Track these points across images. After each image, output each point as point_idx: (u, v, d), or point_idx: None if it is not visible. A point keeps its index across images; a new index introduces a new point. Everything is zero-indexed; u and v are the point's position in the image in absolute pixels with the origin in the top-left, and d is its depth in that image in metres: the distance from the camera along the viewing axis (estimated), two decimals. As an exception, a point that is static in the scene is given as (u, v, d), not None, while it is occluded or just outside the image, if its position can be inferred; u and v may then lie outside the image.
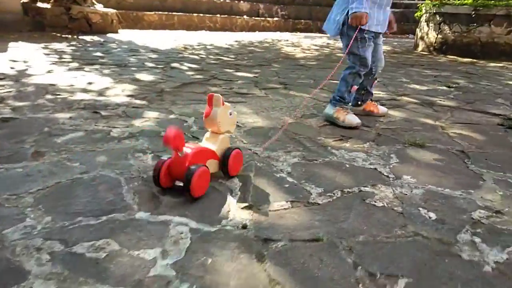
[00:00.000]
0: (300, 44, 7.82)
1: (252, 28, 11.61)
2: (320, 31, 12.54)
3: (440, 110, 2.47)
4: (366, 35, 1.92)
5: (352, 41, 1.88)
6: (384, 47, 7.71)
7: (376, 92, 2.95)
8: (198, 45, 6.37)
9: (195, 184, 1.11)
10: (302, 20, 12.58)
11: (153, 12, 9.72)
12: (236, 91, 2.82)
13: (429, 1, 6.93)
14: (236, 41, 7.82)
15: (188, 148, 1.17)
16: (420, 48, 7.16)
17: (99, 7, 7.67)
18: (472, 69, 4.73)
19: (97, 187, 1.18)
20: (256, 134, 1.82)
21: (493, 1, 6.26)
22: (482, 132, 2.03)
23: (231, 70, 3.84)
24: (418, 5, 7.34)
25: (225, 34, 9.82)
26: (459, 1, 6.68)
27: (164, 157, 1.19)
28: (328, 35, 2.16)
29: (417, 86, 3.24)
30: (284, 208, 1.12)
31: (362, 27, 1.85)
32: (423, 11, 6.99)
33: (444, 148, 1.74)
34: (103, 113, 2.04)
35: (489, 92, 3.12)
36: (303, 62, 4.84)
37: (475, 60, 5.94)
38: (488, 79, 3.91)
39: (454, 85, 3.30)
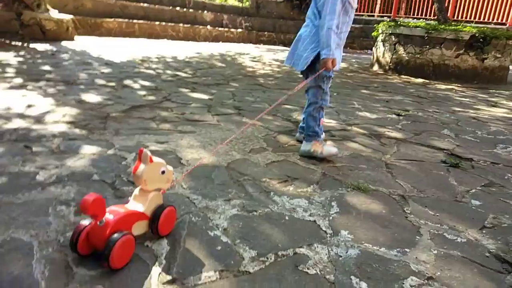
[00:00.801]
0: (262, 58, 7.82)
1: (215, 38, 11.53)
2: (283, 43, 12.66)
3: (387, 144, 2.49)
4: (332, 74, 2.08)
5: (321, 78, 2.03)
6: (342, 65, 7.87)
7: (328, 121, 2.95)
8: (157, 57, 6.20)
9: (115, 255, 1.01)
10: (266, 32, 12.65)
11: (112, 19, 9.42)
12: (188, 118, 2.72)
13: (385, 22, 7.13)
14: (198, 53, 7.71)
15: (111, 214, 1.06)
16: (376, 67, 7.35)
17: (54, 13, 7.32)
18: (423, 92, 4.88)
19: (4, 256, 1.05)
20: (199, 175, 1.74)
21: (443, 26, 6.53)
22: (425, 171, 2.05)
23: (186, 90, 3.74)
24: (374, 26, 7.54)
25: (188, 44, 9.68)
26: (413, 23, 6.93)
27: (85, 221, 1.07)
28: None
29: (368, 114, 3.27)
30: (212, 281, 1.04)
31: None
32: (380, 31, 7.18)
33: (386, 192, 1.73)
34: (34, 148, 1.88)
35: (437, 122, 3.20)
36: (262, 81, 4.81)
37: (427, 81, 6.15)
38: (437, 104, 4.03)
39: (403, 113, 3.36)
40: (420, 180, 1.91)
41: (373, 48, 7.60)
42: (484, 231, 1.45)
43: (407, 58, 6.65)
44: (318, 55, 1.97)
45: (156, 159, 1.18)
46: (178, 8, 11.18)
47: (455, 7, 13.32)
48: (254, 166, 1.92)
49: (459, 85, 5.90)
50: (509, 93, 5.50)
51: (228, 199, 1.51)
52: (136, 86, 3.70)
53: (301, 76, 2.23)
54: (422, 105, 3.89)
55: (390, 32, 6.89)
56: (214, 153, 2.02)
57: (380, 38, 7.22)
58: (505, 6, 13.08)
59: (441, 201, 1.69)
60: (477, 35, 6.20)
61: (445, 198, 1.72)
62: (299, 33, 2.14)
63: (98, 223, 1.04)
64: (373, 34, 7.49)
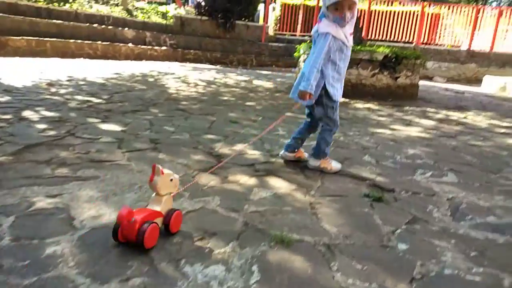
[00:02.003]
0: (187, 78, 7.54)
1: (138, 57, 11.02)
2: (210, 62, 12.49)
3: (311, 177, 2.37)
4: (337, 104, 2.41)
5: (328, 109, 2.37)
6: (268, 84, 7.89)
7: (252, 152, 2.77)
8: (69, 80, 5.65)
9: (147, 238, 1.36)
10: (192, 50, 12.39)
11: (20, 37, 8.53)
12: (92, 158, 2.37)
13: (305, 43, 7.27)
14: (117, 73, 7.21)
15: (138, 214, 1.39)
16: (300, 86, 7.44)
17: None
18: (344, 112, 4.96)
19: None
20: (94, 242, 1.43)
21: (359, 47, 6.81)
22: (350, 209, 1.94)
23: (96, 121, 3.34)
24: (296, 46, 7.67)
25: (107, 63, 9.07)
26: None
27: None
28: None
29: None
30: None
31: (334, 98, 2.33)
32: (301, 51, 7.31)
33: (312, 242, 1.57)
34: None
35: (358, 146, 3.19)
36: (185, 105, 4.54)
37: (347, 100, 6.33)
38: (357, 126, 4.07)
39: (327, 139, 3.31)
40: (346, 222, 1.79)
41: (296, 68, 7.71)
42: (413, 285, 1.34)
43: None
44: (322, 89, 2.28)
45: (166, 170, 1.51)
46: (95, 25, 10.52)
47: (369, 28, 14.24)
48: (165, 220, 1.65)
49: (375, 103, 6.14)
50: (420, 109, 5.84)
51: (125, 279, 1.22)
52: (36, 118, 3.22)
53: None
54: (343, 128, 3.90)
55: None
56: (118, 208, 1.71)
57: (302, 58, 7.34)
58: (412, 27, 14.27)
59: (368, 248, 1.56)
60: (389, 55, 6.55)
61: (372, 243, 1.61)
62: (303, 70, 2.26)
63: (129, 221, 1.36)
64: (295, 54, 7.60)
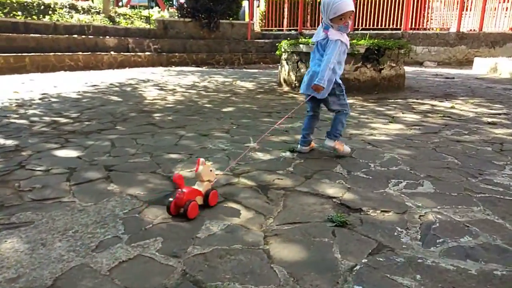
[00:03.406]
0: (167, 85, 7.32)
1: (121, 64, 10.81)
2: (196, 64, 12.23)
3: (273, 199, 2.16)
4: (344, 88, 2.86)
5: (340, 97, 2.84)
6: (250, 85, 7.65)
7: (217, 174, 2.55)
8: (41, 98, 5.44)
9: (190, 211, 1.85)
10: (177, 54, 12.16)
11: (-4, 55, 8.29)
12: (35, 196, 2.16)
13: (286, 41, 7.03)
14: (94, 85, 7.00)
15: (186, 189, 1.89)
16: (283, 86, 7.21)
17: None
18: (324, 111, 4.73)
19: None
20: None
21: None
22: (307, 240, 1.73)
23: (55, 146, 3.14)
24: (277, 44, 7.42)
25: (88, 74, 8.86)
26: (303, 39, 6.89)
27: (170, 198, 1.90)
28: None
29: (261, 155, 2.95)
30: None
31: (342, 87, 2.84)
32: (282, 49, 7.06)
33: (255, 294, 1.36)
34: None
35: (331, 155, 2.97)
36: (157, 118, 4.33)
37: (331, 97, 6.11)
38: (335, 129, 3.83)
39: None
40: (301, 259, 1.58)
41: (279, 67, 7.48)
42: None
43: (310, 74, 6.57)
44: (334, 83, 2.74)
45: (207, 162, 2.00)
46: (75, 36, 10.27)
47: (355, 17, 13.92)
48: (91, 277, 1.44)
49: (360, 98, 5.92)
50: (405, 102, 5.61)
51: None
52: (-12, 149, 3.01)
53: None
54: (320, 131, 3.68)
55: (291, 50, 6.79)
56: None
57: (284, 56, 7.10)
58: (399, 13, 13.96)
59: (321, 296, 1.35)
60: (371, 47, 6.31)
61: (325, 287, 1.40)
62: (312, 69, 2.75)
63: (180, 190, 1.87)
64: (277, 53, 7.36)
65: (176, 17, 13.22)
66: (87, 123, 4.01)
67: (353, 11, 2.56)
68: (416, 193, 2.25)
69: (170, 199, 1.90)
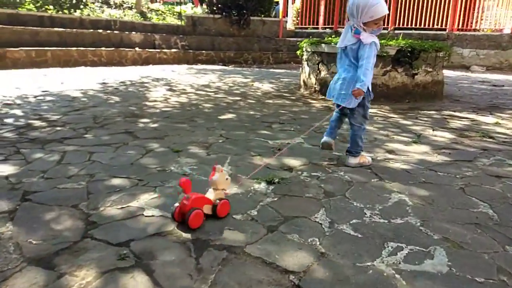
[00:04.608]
0: (180, 84, 6.79)
1: (146, 61, 10.45)
2: (223, 62, 11.69)
3: (205, 267, 1.47)
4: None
5: (366, 109, 2.60)
6: (267, 87, 6.94)
7: (148, 213, 1.91)
8: (38, 96, 5.08)
9: (191, 220, 1.69)
10: (204, 51, 11.65)
11: (18, 48, 8.15)
12: None
13: (307, 40, 6.24)
14: (104, 83, 6.60)
15: (193, 195, 1.73)
16: (302, 89, 6.44)
17: None
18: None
19: None
20: None
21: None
22: None
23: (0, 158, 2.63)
24: (298, 42, 6.65)
25: (108, 70, 8.55)
26: (336, 40, 6.06)
27: (176, 204, 1.77)
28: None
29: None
30: None
31: (369, 89, 2.49)
32: (303, 49, 6.29)
33: None
34: None
35: (318, 192, 2.23)
36: (141, 125, 3.76)
37: (352, 105, 5.28)
38: (343, 148, 3.07)
39: (277, 180, 2.35)
40: None
41: (300, 68, 6.71)
42: None
43: (331, 79, 5.75)
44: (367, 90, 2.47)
45: (224, 170, 1.86)
46: (100, 31, 10.01)
47: (395, 15, 12.74)
48: None
49: (387, 108, 5.05)
50: (438, 114, 4.67)
51: None
52: None
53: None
54: (319, 152, 2.92)
55: (313, 50, 6.01)
56: None
57: (304, 56, 6.32)
58: (445, 13, 12.61)
59: None
60: (403, 49, 5.38)
61: None
62: (342, 76, 2.53)
63: (186, 196, 1.72)
64: (297, 52, 6.60)
65: (206, 13, 12.71)
66: (58, 128, 3.51)
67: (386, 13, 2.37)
68: (419, 273, 1.47)
69: (176, 204, 1.76)
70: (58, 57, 8.64)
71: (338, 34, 12.49)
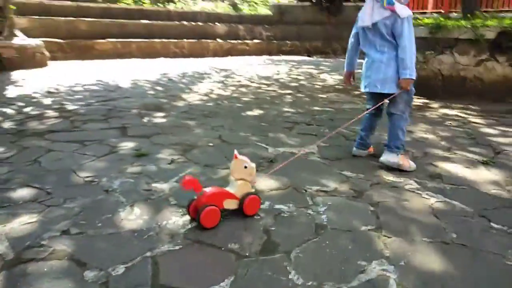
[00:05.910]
0: (240, 75, 6.27)
1: (227, 52, 10.22)
2: (308, 53, 10.82)
3: None
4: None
5: (411, 93, 2.17)
6: (338, 79, 5.94)
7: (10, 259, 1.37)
8: (85, 85, 5.11)
9: (203, 218, 1.43)
10: (289, 42, 10.94)
11: (105, 40, 8.61)
12: None
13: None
14: (164, 73, 6.45)
15: (211, 189, 1.51)
16: (371, 82, 5.29)
17: (19, 39, 6.62)
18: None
19: None
20: None
21: (452, 22, 4.30)
22: None
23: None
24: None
25: (185, 61, 8.51)
26: (414, 21, 4.75)
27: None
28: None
29: (133, 215, 1.60)
30: None
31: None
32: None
33: None
34: None
35: (247, 244, 1.42)
36: (147, 120, 3.32)
37: (429, 102, 4.06)
38: (386, 173, 2.13)
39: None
40: None
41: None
42: None
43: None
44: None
45: (240, 157, 1.55)
46: (185, 23, 10.08)
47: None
48: None
49: (476, 108, 3.72)
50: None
51: None
52: None
53: None
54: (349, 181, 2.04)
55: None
56: None
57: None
58: None
59: None
60: (507, 31, 3.90)
61: None
62: (374, 58, 2.14)
63: (199, 193, 1.48)
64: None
65: (295, 1, 11.92)
66: (62, 120, 3.28)
67: None
68: None
69: (194, 197, 1.54)
70: (142, 48, 8.90)
71: (450, 18, 10.46)
